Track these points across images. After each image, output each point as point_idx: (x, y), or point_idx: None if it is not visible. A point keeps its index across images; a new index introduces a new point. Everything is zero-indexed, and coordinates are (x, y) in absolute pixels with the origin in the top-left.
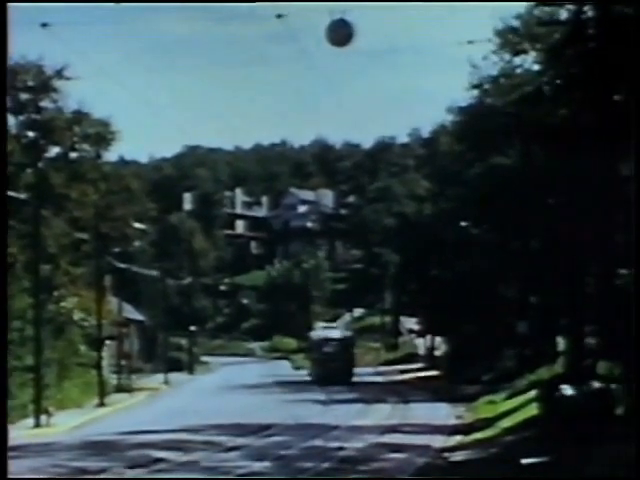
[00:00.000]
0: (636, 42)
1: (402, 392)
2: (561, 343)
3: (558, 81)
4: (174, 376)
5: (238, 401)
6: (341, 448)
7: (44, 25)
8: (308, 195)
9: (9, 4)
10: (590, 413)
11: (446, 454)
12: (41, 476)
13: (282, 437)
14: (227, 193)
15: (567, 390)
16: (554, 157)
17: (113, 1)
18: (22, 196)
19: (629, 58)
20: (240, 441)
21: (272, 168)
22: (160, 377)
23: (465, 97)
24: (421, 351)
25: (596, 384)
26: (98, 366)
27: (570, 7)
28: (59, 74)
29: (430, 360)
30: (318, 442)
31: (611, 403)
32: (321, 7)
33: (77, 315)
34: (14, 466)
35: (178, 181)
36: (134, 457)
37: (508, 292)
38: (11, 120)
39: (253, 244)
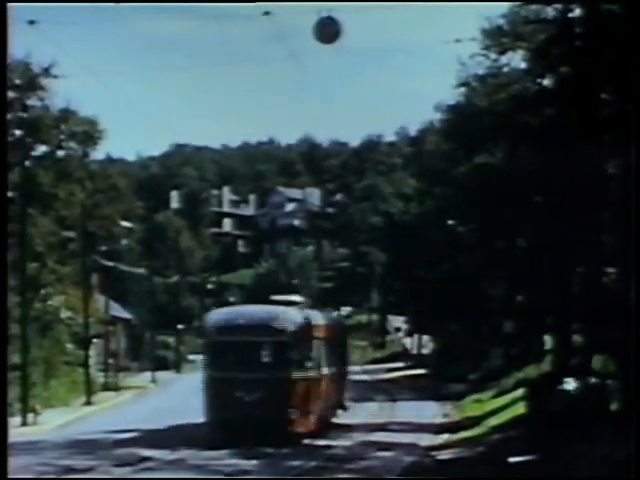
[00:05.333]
0: (626, 40)
1: (389, 390)
2: (548, 341)
3: (544, 80)
4: (161, 374)
5: None
6: (328, 446)
7: (31, 22)
8: (295, 193)
9: (9, 4)
10: (586, 409)
11: (433, 453)
12: (32, 475)
13: None
14: (214, 191)
15: (569, 385)
16: (541, 156)
17: (112, 1)
18: (9, 194)
19: (616, 57)
20: None
21: (259, 166)
22: (147, 375)
23: (452, 96)
24: (408, 349)
25: (592, 380)
26: (85, 364)
27: (556, 6)
28: (46, 72)
29: (417, 359)
30: (305, 440)
31: (606, 399)
32: (309, 6)
33: (64, 313)
34: None
35: (165, 179)
36: (121, 455)
37: (495, 291)
38: None
39: (240, 242)
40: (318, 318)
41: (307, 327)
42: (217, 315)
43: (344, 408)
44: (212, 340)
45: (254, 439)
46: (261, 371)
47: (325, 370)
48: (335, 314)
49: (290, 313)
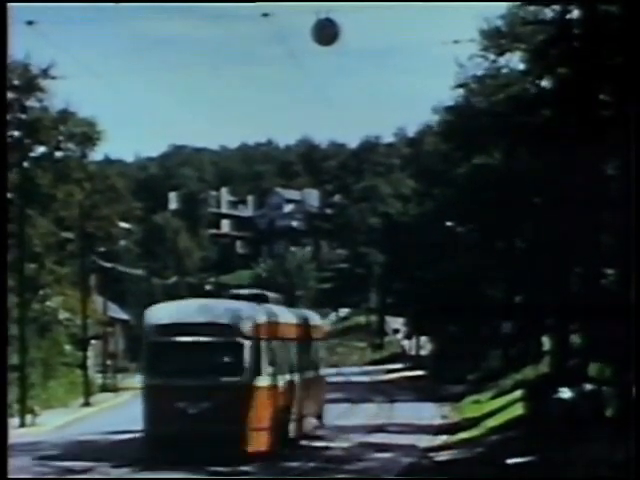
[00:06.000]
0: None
1: (388, 392)
2: (546, 343)
3: (543, 81)
4: None
5: None
6: (327, 448)
7: (30, 23)
8: (293, 195)
9: (9, 4)
10: (581, 415)
11: (432, 454)
12: (31, 476)
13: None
14: (212, 192)
15: (564, 393)
16: (539, 157)
17: (112, 1)
18: (7, 195)
19: (614, 58)
20: None
21: (257, 168)
22: None
23: (451, 97)
24: (407, 351)
25: (588, 386)
26: (83, 365)
27: (555, 7)
28: (45, 73)
29: (416, 360)
30: (304, 441)
31: (602, 405)
32: (308, 6)
33: (62, 314)
34: None
35: (163, 180)
36: (119, 456)
37: (493, 292)
38: None
39: (238, 243)
40: (285, 316)
41: (268, 326)
42: (158, 311)
43: (320, 421)
44: (151, 340)
45: (198, 458)
46: (209, 378)
47: (291, 377)
48: (310, 312)
49: (246, 309)
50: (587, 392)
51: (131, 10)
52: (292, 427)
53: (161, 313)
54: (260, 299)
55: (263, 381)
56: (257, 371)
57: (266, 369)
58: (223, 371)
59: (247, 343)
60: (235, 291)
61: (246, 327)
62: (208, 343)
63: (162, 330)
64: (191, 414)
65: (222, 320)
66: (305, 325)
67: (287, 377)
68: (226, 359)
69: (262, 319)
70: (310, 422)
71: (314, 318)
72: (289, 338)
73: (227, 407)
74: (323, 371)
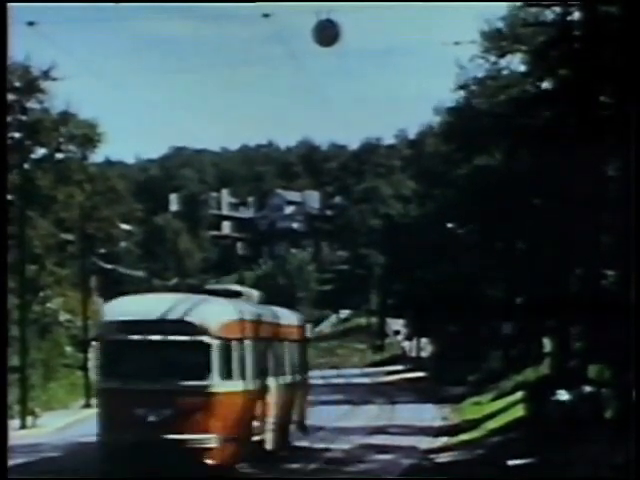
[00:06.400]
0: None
1: (388, 393)
2: (547, 344)
3: (544, 82)
4: None
5: None
6: (327, 449)
7: (30, 24)
8: (294, 196)
9: (9, 4)
10: (580, 417)
11: (432, 455)
12: (33, 477)
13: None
14: (213, 194)
15: (563, 395)
16: (540, 158)
17: (112, 1)
18: (8, 197)
19: (615, 59)
20: None
21: (258, 169)
22: None
23: (452, 98)
24: (407, 352)
25: (587, 388)
26: (84, 367)
27: (555, 8)
28: (45, 75)
29: (416, 361)
30: (304, 443)
31: (601, 407)
32: (309, 7)
33: (63, 316)
34: None
35: (164, 182)
36: None
37: (493, 293)
38: None
39: (239, 245)
40: (261, 314)
41: (240, 324)
42: (116, 305)
43: (304, 430)
44: (107, 339)
45: (157, 471)
46: (171, 381)
47: (267, 381)
48: (292, 312)
49: (214, 305)
50: (586, 394)
51: (131, 10)
52: (269, 437)
53: (119, 308)
54: (234, 295)
55: (233, 385)
56: (226, 374)
57: (237, 372)
58: (187, 374)
59: (215, 343)
60: (208, 286)
61: (214, 325)
62: (171, 342)
63: (120, 327)
64: (151, 422)
65: (187, 317)
66: (285, 325)
67: (262, 381)
68: (191, 360)
69: (233, 317)
70: (290, 432)
71: (296, 318)
72: (266, 338)
73: (191, 414)
74: (306, 375)
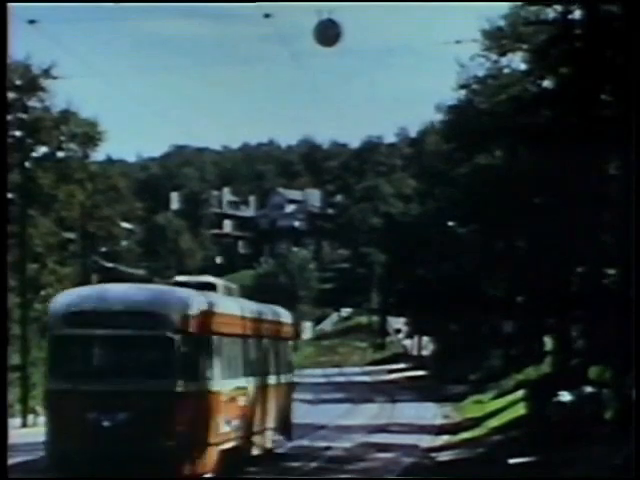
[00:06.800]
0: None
1: (390, 392)
2: (548, 343)
3: (545, 81)
4: None
5: None
6: (328, 448)
7: (31, 22)
8: (295, 195)
9: (9, 4)
10: (580, 417)
11: (433, 454)
12: (34, 476)
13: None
14: (214, 192)
15: (564, 397)
16: (541, 157)
17: (112, 0)
18: (9, 195)
19: (616, 58)
20: None
21: (259, 168)
22: None
23: (453, 97)
24: (408, 351)
25: (588, 389)
26: None
27: (556, 7)
28: (46, 73)
29: (417, 360)
30: (305, 442)
31: (601, 408)
32: (310, 7)
33: None
34: None
35: (165, 180)
36: None
37: (494, 291)
38: None
39: (240, 244)
40: (237, 308)
41: (208, 317)
42: (66, 296)
43: (288, 435)
44: (55, 334)
45: None
46: (128, 381)
47: (243, 382)
48: (276, 308)
49: (180, 296)
50: (587, 395)
51: (133, 10)
52: (244, 444)
53: (70, 299)
54: (208, 288)
55: (200, 386)
56: (192, 373)
57: (205, 371)
58: (147, 373)
59: (179, 338)
60: (179, 278)
61: (179, 318)
62: (129, 337)
63: (70, 320)
64: (105, 427)
65: (147, 308)
66: (267, 321)
67: (237, 382)
68: (151, 358)
69: (202, 309)
70: (271, 438)
71: (280, 314)
72: (243, 335)
73: (151, 418)
74: (291, 376)
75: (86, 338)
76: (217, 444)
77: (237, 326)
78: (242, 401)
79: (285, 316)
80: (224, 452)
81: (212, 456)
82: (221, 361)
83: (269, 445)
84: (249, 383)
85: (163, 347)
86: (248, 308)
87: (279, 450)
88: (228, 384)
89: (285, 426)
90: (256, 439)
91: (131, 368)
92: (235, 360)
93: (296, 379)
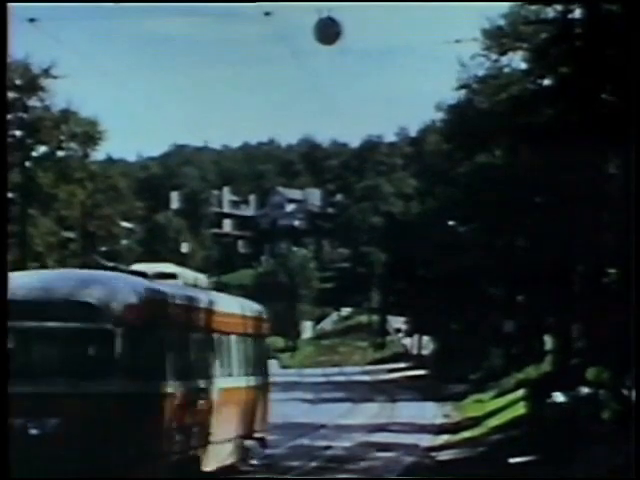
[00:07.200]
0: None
1: (390, 391)
2: (548, 342)
3: (545, 80)
4: None
5: None
6: (328, 447)
7: (32, 20)
8: (295, 194)
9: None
10: (577, 418)
11: (434, 453)
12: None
13: (269, 436)
14: (214, 192)
15: (559, 397)
16: (541, 156)
17: (112, 0)
18: (9, 195)
19: (616, 57)
20: None
21: (259, 167)
22: None
23: (453, 97)
24: (408, 350)
25: (585, 390)
26: None
27: (557, 6)
28: (46, 72)
29: (417, 359)
30: (305, 441)
31: (598, 408)
32: (310, 6)
33: None
34: None
35: (165, 180)
36: None
37: (495, 291)
38: None
39: (240, 243)
40: (196, 299)
41: (158, 308)
42: None
43: (262, 443)
44: None
45: None
46: (60, 382)
47: (203, 383)
48: (247, 301)
49: (125, 283)
50: (584, 395)
51: (133, 9)
52: (206, 455)
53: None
54: (167, 277)
55: (148, 387)
56: (136, 373)
57: (153, 370)
58: (82, 373)
59: (121, 331)
60: (134, 267)
61: (121, 308)
62: (60, 331)
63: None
64: (33, 435)
65: (83, 297)
66: (234, 315)
67: (193, 383)
68: (87, 354)
69: (151, 298)
70: (237, 449)
71: (251, 308)
72: (203, 329)
73: (87, 425)
74: (266, 377)
75: (12, 332)
76: (165, 455)
77: (196, 319)
78: (200, 405)
79: (257, 311)
80: (175, 464)
81: (159, 470)
82: (174, 359)
83: (233, 457)
84: (209, 385)
85: (101, 342)
86: (211, 300)
87: (253, 461)
88: (182, 385)
89: (258, 433)
90: (217, 449)
91: (63, 367)
92: (192, 358)
93: (296, 378)
